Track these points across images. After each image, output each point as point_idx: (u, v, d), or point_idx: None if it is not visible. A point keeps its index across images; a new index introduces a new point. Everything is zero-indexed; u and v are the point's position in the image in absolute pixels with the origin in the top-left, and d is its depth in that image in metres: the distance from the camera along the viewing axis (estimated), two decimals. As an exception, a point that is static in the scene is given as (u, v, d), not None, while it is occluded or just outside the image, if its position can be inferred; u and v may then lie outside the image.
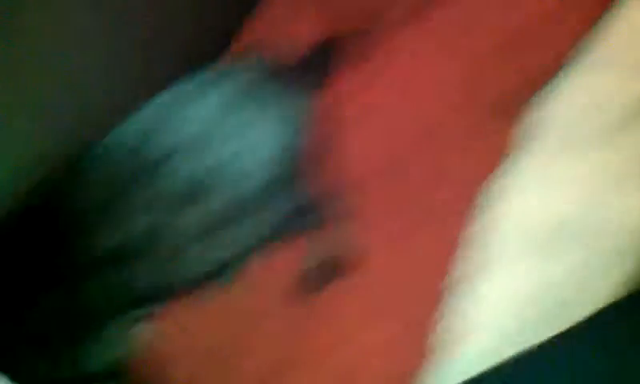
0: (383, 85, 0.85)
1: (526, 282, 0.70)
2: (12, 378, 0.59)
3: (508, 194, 0.74)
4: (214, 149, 0.71)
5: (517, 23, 0.84)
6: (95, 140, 0.74)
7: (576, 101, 0.79)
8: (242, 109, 0.73)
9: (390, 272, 0.72)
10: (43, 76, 0.73)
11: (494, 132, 0.78)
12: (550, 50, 0.82)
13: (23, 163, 0.73)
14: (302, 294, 0.72)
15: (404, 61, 0.86)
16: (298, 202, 0.72)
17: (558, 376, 0.63)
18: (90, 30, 0.76)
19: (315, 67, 0.79)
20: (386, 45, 0.86)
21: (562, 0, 0.84)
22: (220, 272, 0.73)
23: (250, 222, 0.71)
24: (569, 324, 0.64)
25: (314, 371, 0.67)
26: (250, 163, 0.71)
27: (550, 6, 0.84)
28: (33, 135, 0.73)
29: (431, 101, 0.83)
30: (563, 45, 0.82)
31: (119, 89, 0.79)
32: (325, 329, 0.69)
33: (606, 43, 0.81)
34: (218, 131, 0.72)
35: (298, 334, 0.70)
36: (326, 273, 0.73)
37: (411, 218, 0.75)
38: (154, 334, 0.72)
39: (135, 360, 0.71)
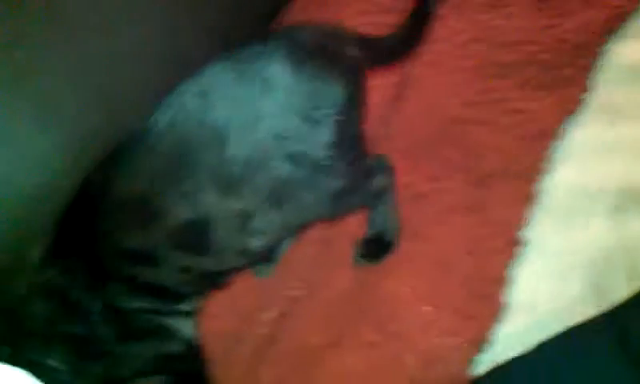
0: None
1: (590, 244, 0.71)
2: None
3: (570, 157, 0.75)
4: (263, 127, 0.69)
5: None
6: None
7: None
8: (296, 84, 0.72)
9: (445, 244, 0.73)
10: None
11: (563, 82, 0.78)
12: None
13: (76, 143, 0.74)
14: (359, 266, 0.74)
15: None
16: (345, 181, 0.72)
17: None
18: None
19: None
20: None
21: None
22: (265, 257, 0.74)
23: (293, 206, 0.70)
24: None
25: (369, 342, 0.69)
26: (299, 144, 0.70)
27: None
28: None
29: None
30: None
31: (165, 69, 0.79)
32: (381, 302, 0.71)
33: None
34: (267, 109, 0.70)
35: (355, 305, 0.71)
36: (382, 246, 0.74)
37: (464, 187, 0.75)
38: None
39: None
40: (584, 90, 0.78)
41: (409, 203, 0.76)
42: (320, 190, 0.68)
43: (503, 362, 0.65)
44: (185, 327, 0.72)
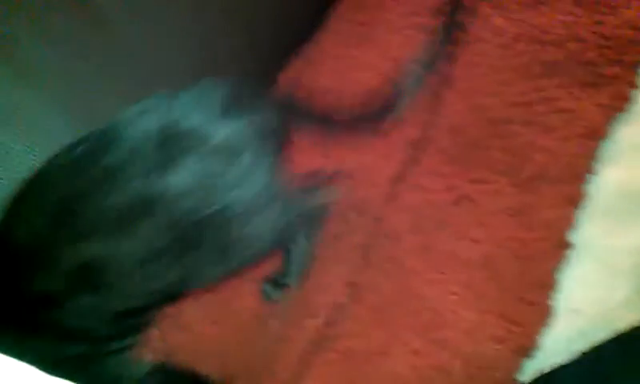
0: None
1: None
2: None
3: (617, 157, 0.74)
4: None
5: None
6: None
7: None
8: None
9: (490, 247, 0.73)
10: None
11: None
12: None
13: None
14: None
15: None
16: None
17: None
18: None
19: None
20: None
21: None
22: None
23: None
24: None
25: (415, 350, 0.70)
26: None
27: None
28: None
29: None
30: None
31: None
32: (426, 308, 0.72)
33: None
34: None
35: (400, 311, 0.73)
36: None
37: (509, 189, 0.75)
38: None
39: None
40: (632, 87, 0.76)
41: (453, 206, 0.76)
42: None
43: (550, 368, 0.65)
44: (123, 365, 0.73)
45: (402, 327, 0.71)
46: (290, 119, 0.79)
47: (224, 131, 0.71)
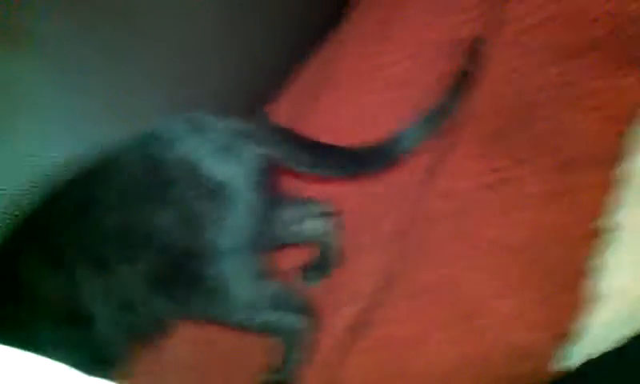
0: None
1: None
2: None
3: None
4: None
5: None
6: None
7: None
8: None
9: (528, 232, 0.71)
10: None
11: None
12: None
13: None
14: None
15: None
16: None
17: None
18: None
19: None
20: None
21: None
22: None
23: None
24: None
25: (454, 338, 0.69)
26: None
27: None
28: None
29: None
30: None
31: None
32: (465, 296, 0.70)
33: None
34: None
35: (438, 299, 0.71)
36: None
37: (546, 173, 0.73)
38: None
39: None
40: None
41: (488, 191, 0.74)
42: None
43: (593, 355, 0.64)
44: None
45: (440, 314, 0.69)
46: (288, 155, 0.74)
47: (219, 170, 0.68)
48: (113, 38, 0.80)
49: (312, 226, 0.80)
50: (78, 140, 0.76)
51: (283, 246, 0.80)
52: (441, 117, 0.78)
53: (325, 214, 0.80)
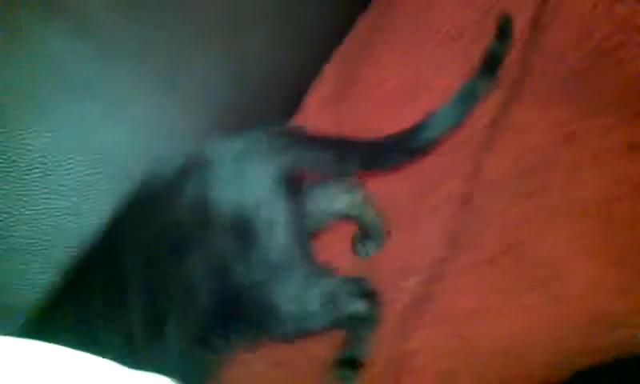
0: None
1: None
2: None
3: None
4: None
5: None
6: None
7: None
8: None
9: (604, 189, 0.65)
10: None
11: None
12: None
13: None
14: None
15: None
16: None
17: None
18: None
19: None
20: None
21: None
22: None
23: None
24: None
25: (528, 306, 0.64)
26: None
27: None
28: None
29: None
30: None
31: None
32: (538, 261, 0.65)
33: None
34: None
35: (508, 267, 0.66)
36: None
37: (621, 124, 0.67)
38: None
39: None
40: None
41: (558, 146, 0.69)
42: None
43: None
44: None
45: (511, 282, 0.64)
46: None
47: (240, 204, 0.66)
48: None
49: (340, 202, 0.77)
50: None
51: (320, 232, 0.78)
52: (487, 76, 0.72)
53: (351, 189, 0.77)
